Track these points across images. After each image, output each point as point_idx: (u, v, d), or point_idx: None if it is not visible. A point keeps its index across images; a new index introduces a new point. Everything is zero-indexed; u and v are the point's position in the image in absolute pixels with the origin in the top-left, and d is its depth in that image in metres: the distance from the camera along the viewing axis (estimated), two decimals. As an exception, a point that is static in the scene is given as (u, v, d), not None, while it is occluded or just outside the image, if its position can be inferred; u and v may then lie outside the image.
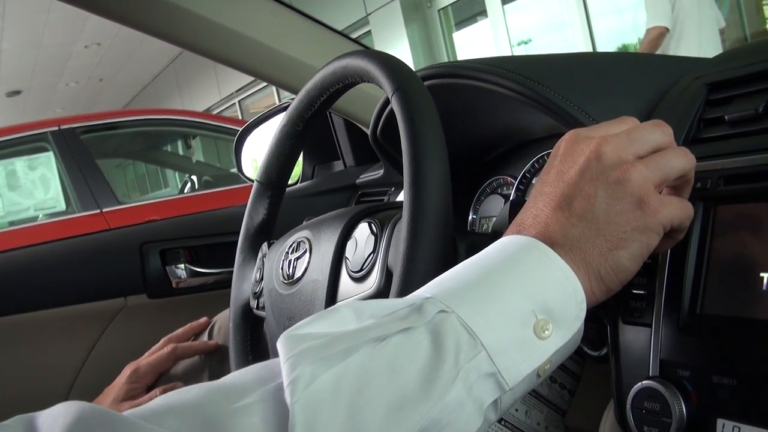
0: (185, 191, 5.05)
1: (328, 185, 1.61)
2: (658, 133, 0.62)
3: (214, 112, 13.01)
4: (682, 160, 0.61)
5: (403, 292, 0.64)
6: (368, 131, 1.12)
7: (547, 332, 0.55)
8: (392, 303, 0.55)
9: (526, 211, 0.62)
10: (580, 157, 0.60)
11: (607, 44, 6.93)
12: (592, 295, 0.58)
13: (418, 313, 0.53)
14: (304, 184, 1.67)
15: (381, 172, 1.43)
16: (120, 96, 15.62)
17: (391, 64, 0.77)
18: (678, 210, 0.60)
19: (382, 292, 0.73)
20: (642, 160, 0.59)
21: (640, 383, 0.64)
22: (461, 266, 0.59)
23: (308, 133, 0.98)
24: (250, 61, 1.29)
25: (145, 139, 5.09)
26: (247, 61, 1.29)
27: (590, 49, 6.53)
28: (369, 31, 9.04)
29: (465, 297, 0.55)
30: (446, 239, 0.67)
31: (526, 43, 7.94)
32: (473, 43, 8.54)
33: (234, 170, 5.47)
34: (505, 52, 7.68)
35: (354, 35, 9.01)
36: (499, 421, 0.79)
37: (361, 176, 1.53)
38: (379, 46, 8.83)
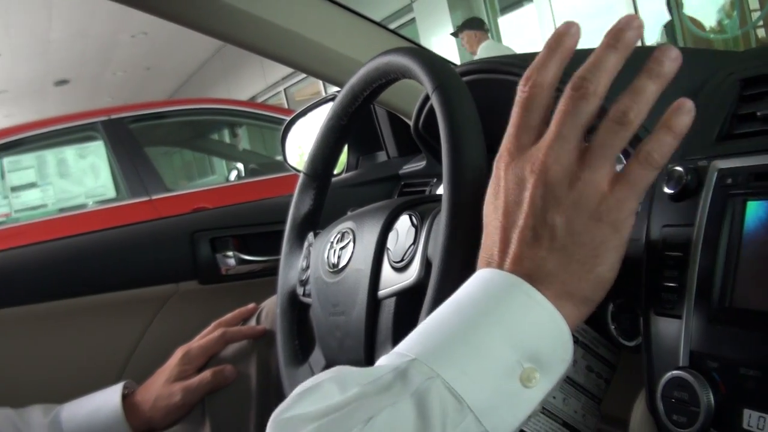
0: (232, 179, 5.13)
1: (371, 176, 1.64)
2: (583, 109, 0.59)
3: (260, 100, 13.11)
4: (619, 135, 0.59)
5: (442, 281, 0.68)
6: (410, 123, 1.16)
7: (533, 381, 0.55)
8: (375, 370, 0.56)
9: (490, 238, 0.61)
10: (527, 184, 0.59)
11: (654, 27, 6.84)
12: (580, 316, 0.59)
13: (403, 382, 0.53)
14: (348, 174, 1.71)
15: (423, 163, 1.45)
16: (167, 84, 15.79)
17: (431, 62, 0.81)
18: (635, 194, 0.59)
19: (422, 282, 0.77)
20: (586, 163, 0.58)
21: (670, 373, 0.67)
22: (444, 311, 0.59)
23: (352, 126, 1.02)
24: (295, 56, 1.33)
25: (193, 128, 5.19)
26: (291, 56, 1.33)
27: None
28: (413, 19, 9.02)
29: (449, 355, 0.54)
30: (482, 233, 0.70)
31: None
32: (518, 29, 8.47)
33: (280, 158, 5.55)
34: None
35: (398, 23, 9.03)
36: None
37: (404, 167, 1.56)
38: (423, 33, 8.82)
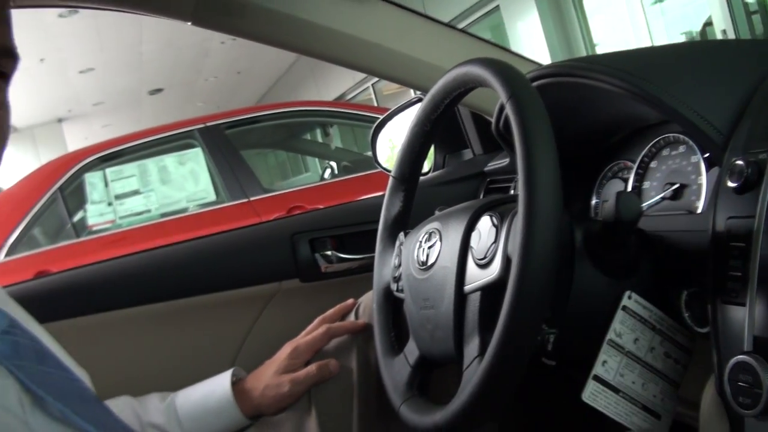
0: (326, 177, 5.22)
1: (457, 174, 1.69)
2: None
3: (348, 97, 13.23)
4: None
5: (521, 276, 0.75)
6: (492, 124, 1.22)
7: None
8: None
9: None
10: None
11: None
12: None
13: None
14: (435, 173, 1.75)
15: (507, 160, 1.49)
16: (257, 87, 15.97)
17: (505, 73, 0.87)
18: None
19: (503, 277, 0.82)
20: None
21: (735, 358, 0.72)
22: None
23: (436, 131, 1.09)
24: (379, 66, 1.39)
25: (285, 130, 5.29)
26: (376, 66, 1.39)
27: (725, 9, 6.27)
28: (497, 6, 8.95)
29: None
30: (557, 231, 0.76)
31: (661, 1, 7.62)
32: (605, 9, 8.28)
33: (371, 154, 5.60)
34: (638, 14, 7.44)
35: (482, 11, 8.98)
36: (617, 392, 0.87)
37: (488, 164, 1.60)
38: (508, 20, 8.73)
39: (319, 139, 6.59)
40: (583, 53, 7.57)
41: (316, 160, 7.90)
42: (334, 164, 5.28)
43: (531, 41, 8.25)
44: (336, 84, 13.34)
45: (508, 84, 0.84)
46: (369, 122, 4.88)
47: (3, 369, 0.79)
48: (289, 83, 15.28)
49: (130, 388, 1.23)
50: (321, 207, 3.87)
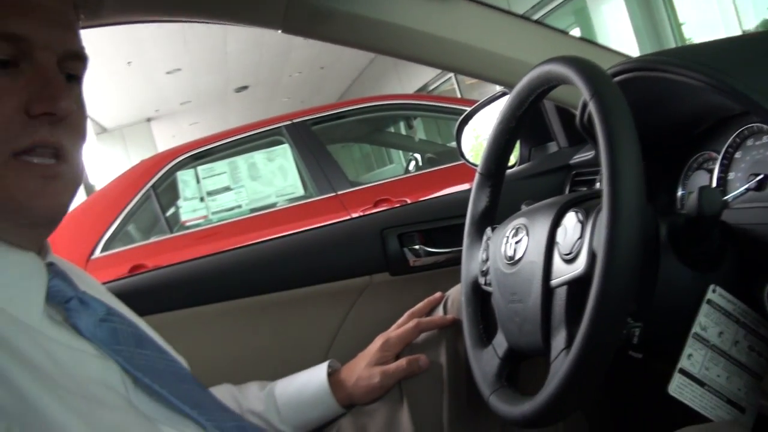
0: (410, 169, 5.25)
1: (543, 167, 1.70)
2: None
3: (431, 87, 13.20)
4: None
5: (606, 271, 0.77)
6: (576, 118, 1.23)
7: None
8: None
9: None
10: None
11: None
12: None
13: None
14: (521, 167, 1.77)
15: (593, 152, 1.49)
16: (341, 81, 16.03)
17: (588, 71, 0.88)
18: None
19: (589, 272, 0.84)
20: None
21: None
22: None
23: (520, 128, 1.12)
24: (463, 64, 1.41)
25: (370, 124, 5.33)
26: (459, 64, 1.41)
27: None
28: (582, -11, 8.80)
29: None
30: (641, 226, 0.78)
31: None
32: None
33: (454, 145, 5.57)
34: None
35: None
36: (702, 385, 0.89)
37: (574, 157, 1.60)
38: (591, 2, 8.60)
39: (403, 131, 6.61)
40: (669, 34, 7.39)
41: (400, 153, 7.93)
42: (418, 156, 5.30)
43: (616, 24, 8.09)
44: (418, 75, 13.31)
45: (590, 82, 0.86)
46: (452, 114, 4.89)
47: (104, 353, 0.87)
48: (371, 76, 15.31)
49: (230, 376, 1.29)
50: (407, 199, 3.93)
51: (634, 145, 0.80)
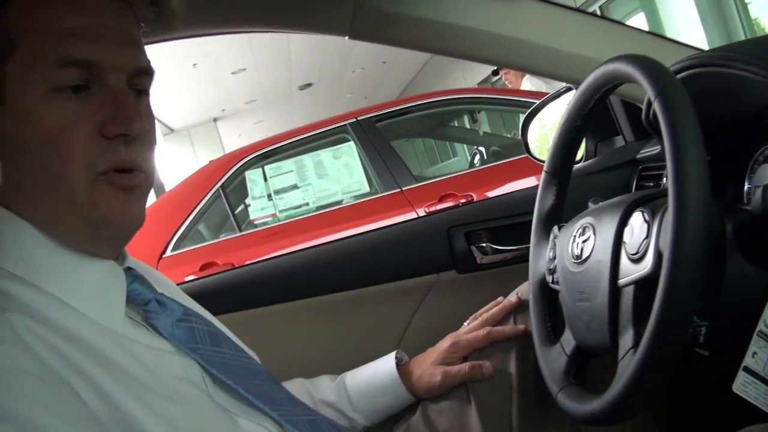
0: (475, 162, 5.24)
1: (609, 162, 1.69)
2: None
3: (494, 80, 13.14)
4: None
5: (673, 271, 0.78)
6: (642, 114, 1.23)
7: None
8: None
9: None
10: None
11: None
12: None
13: None
14: (587, 162, 1.76)
15: (660, 147, 1.47)
16: (403, 75, 15.97)
17: (652, 70, 0.89)
18: None
19: (656, 272, 0.85)
20: None
21: None
22: None
23: (586, 126, 1.12)
24: (528, 62, 1.41)
25: (433, 119, 5.32)
26: (525, 62, 1.42)
27: None
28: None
29: None
30: (707, 227, 0.79)
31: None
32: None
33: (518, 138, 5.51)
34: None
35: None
36: (766, 383, 0.88)
37: (640, 152, 1.59)
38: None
39: (467, 125, 6.61)
40: (735, 17, 7.21)
41: (464, 146, 7.92)
42: (482, 149, 5.28)
43: (681, 9, 7.93)
44: (480, 67, 13.18)
45: (655, 81, 0.87)
46: (515, 106, 4.87)
47: (182, 352, 0.91)
48: (434, 69, 15.25)
49: (303, 370, 1.34)
50: (472, 194, 3.93)
51: (699, 146, 0.80)
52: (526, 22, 1.37)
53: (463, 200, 4.04)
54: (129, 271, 0.93)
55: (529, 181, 3.95)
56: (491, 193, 4.08)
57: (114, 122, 0.84)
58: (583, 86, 1.08)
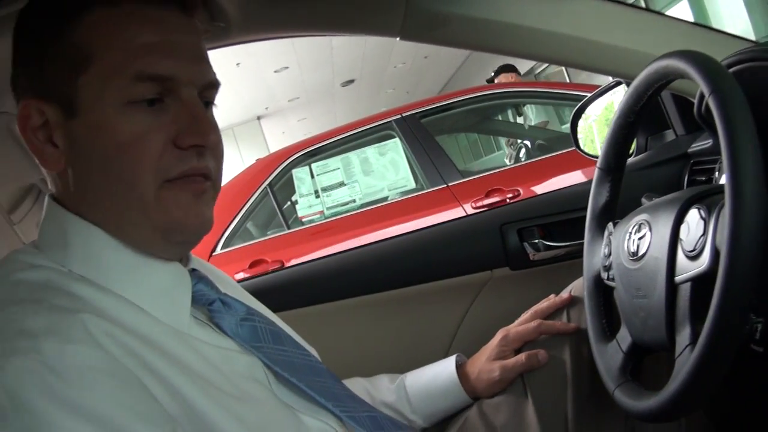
0: (521, 156, 5.22)
1: (660, 156, 1.68)
2: None
3: (537, 71, 13.03)
4: None
5: (730, 268, 0.79)
6: (694, 108, 1.23)
7: None
8: None
9: None
10: None
11: None
12: None
13: None
14: (638, 157, 1.75)
15: (711, 140, 1.47)
16: (445, 69, 15.86)
17: (706, 66, 0.90)
18: None
19: (713, 269, 0.85)
20: None
21: None
22: None
23: (639, 122, 1.13)
24: (580, 58, 1.40)
25: (478, 113, 5.30)
26: (576, 59, 1.41)
27: None
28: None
29: None
30: (764, 224, 0.79)
31: None
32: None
33: (565, 130, 5.50)
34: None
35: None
36: None
37: (692, 145, 1.58)
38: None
39: (511, 119, 6.57)
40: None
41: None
42: (528, 143, 5.26)
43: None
44: (524, 60, 13.11)
45: (709, 78, 0.88)
46: (560, 99, 4.84)
47: (246, 350, 0.94)
48: (476, 63, 15.12)
49: (360, 369, 1.36)
50: (519, 189, 3.92)
51: (754, 143, 0.81)
52: (576, 17, 1.36)
53: (510, 195, 4.03)
54: (193, 272, 0.96)
55: (575, 175, 3.94)
56: (538, 187, 4.07)
57: (189, 134, 0.87)
58: (635, 82, 1.08)
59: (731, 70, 1.12)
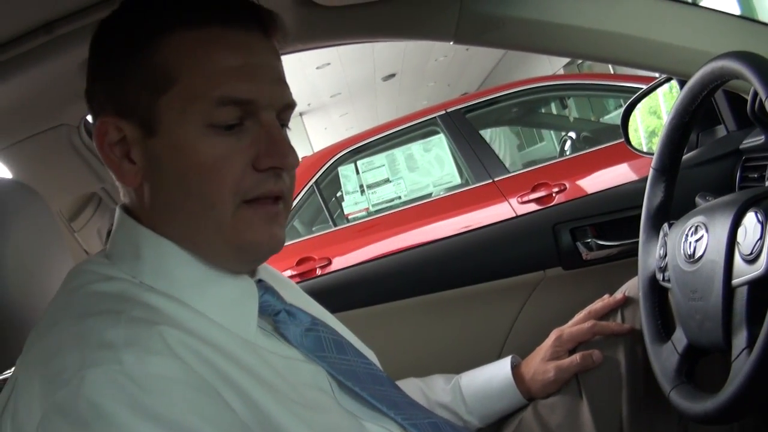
0: (566, 149, 5.19)
1: (712, 153, 1.67)
2: None
3: (579, 61, 12.91)
4: None
5: None
6: (747, 106, 1.23)
7: None
8: None
9: None
10: None
11: None
12: None
13: None
14: (690, 154, 1.73)
15: (763, 137, 1.46)
16: (486, 62, 15.76)
17: (762, 68, 0.90)
18: None
19: None
20: None
21: None
22: None
23: (694, 122, 1.13)
24: (632, 57, 1.39)
25: (522, 107, 5.28)
26: (628, 57, 1.41)
27: None
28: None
29: None
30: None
31: None
32: None
33: (609, 121, 5.45)
34: None
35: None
36: None
37: (744, 141, 1.57)
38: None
39: (555, 111, 6.53)
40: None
41: (551, 131, 7.81)
42: (573, 135, 5.22)
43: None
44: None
45: (766, 80, 0.88)
46: (604, 90, 4.80)
47: (310, 359, 0.96)
48: (517, 54, 15.01)
49: (414, 369, 1.37)
50: (566, 183, 3.89)
51: None
52: (628, 15, 1.36)
53: (556, 189, 4.01)
54: (260, 282, 0.98)
55: (621, 168, 3.91)
56: (584, 181, 4.05)
57: (269, 156, 0.88)
58: (690, 83, 1.09)
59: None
